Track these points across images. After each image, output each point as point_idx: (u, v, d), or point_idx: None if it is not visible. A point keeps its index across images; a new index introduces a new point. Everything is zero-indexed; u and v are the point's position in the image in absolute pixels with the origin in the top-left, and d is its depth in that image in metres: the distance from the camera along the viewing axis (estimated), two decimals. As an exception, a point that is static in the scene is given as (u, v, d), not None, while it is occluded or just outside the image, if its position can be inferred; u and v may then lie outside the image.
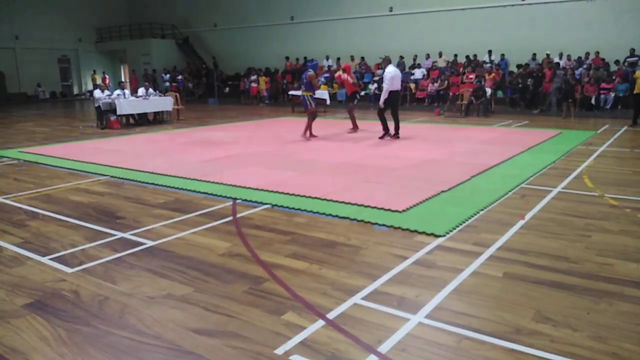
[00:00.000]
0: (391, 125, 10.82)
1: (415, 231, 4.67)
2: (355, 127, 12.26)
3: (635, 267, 3.81)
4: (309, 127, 11.02)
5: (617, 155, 8.77)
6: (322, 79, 11.63)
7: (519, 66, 18.40)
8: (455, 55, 20.43)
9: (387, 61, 10.93)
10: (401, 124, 12.20)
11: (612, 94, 16.42)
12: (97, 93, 14.07)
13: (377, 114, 10.85)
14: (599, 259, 3.98)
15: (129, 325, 3.08)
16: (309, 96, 10.91)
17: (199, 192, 6.35)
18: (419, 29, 21.67)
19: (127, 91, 14.74)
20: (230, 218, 5.24)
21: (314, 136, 11.12)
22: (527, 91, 17.58)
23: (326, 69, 23.51)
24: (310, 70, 11.21)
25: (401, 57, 21.46)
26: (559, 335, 2.87)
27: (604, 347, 2.74)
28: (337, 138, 11.02)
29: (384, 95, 10.58)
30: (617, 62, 17.10)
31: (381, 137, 10.77)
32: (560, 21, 18.62)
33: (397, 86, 10.66)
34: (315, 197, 5.86)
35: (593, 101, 16.66)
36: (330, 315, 3.13)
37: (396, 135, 10.80)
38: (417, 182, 6.57)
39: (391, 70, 10.53)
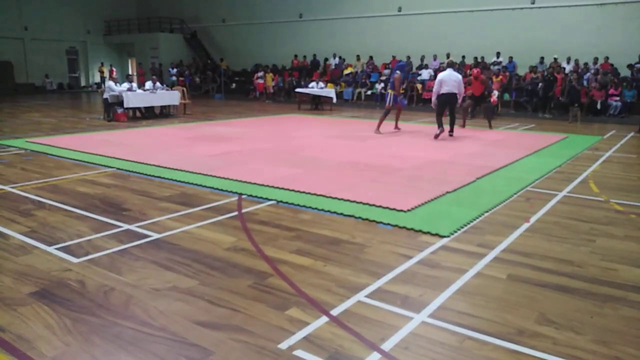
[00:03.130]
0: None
1: (420, 231, 4.67)
2: (489, 125, 12.92)
3: (639, 273, 3.80)
4: (391, 118, 12.03)
5: (623, 160, 8.75)
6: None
7: (531, 68, 18.30)
8: (463, 57, 20.41)
9: (447, 65, 11.87)
10: (407, 124, 12.34)
11: (619, 102, 16.38)
12: (112, 85, 14.00)
13: (435, 114, 11.30)
14: (604, 264, 3.98)
15: (134, 316, 3.10)
16: (392, 95, 11.73)
17: (205, 186, 6.38)
18: (427, 30, 21.64)
19: (134, 84, 14.77)
20: (236, 213, 5.26)
21: (398, 129, 12.09)
22: (535, 95, 17.54)
23: (332, 67, 23.52)
24: (398, 72, 11.93)
25: (408, 58, 21.44)
26: (561, 338, 2.88)
27: (606, 351, 2.75)
28: (344, 136, 11.03)
29: (433, 99, 11.27)
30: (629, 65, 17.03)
31: (436, 136, 10.95)
32: (569, 25, 18.56)
33: (446, 89, 10.88)
34: (321, 195, 5.87)
35: (599, 106, 16.63)
36: (334, 312, 3.14)
37: (450, 134, 11.14)
38: (422, 182, 6.58)
39: (441, 75, 11.08)
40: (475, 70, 13.68)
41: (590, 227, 4.91)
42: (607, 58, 17.80)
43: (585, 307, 3.25)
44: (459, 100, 11.36)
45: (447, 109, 11.24)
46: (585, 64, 18.02)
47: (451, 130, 11.23)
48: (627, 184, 6.85)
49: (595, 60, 17.96)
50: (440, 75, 11.08)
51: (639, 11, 17.37)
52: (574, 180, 6.95)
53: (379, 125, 11.82)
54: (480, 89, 12.87)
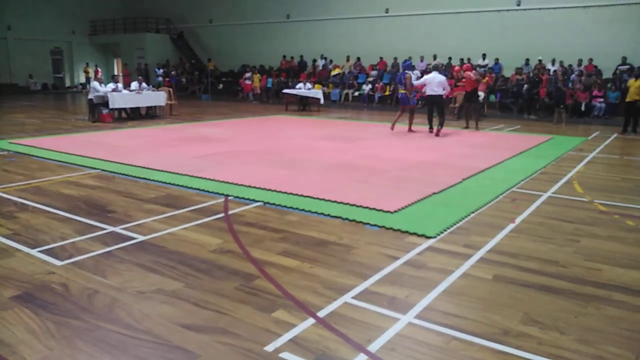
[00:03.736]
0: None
1: (407, 232, 4.69)
2: (475, 125, 13.05)
3: (622, 273, 3.85)
4: (405, 118, 12.34)
5: (607, 161, 8.86)
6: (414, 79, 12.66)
7: (517, 70, 18.45)
8: (450, 58, 20.51)
9: (433, 67, 12.43)
10: (395, 126, 12.38)
11: (603, 103, 16.60)
12: (96, 85, 13.85)
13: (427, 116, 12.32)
14: (588, 264, 4.02)
15: (118, 319, 3.07)
16: (407, 94, 12.13)
17: (191, 187, 6.33)
18: (414, 31, 21.73)
19: (120, 85, 14.63)
20: (222, 215, 5.23)
21: (412, 130, 12.24)
22: (520, 96, 17.70)
23: (321, 68, 23.57)
24: (408, 71, 12.43)
25: (395, 59, 21.52)
26: (546, 337, 2.90)
27: (590, 350, 2.77)
28: (331, 138, 11.03)
29: (417, 83, 12.28)
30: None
31: (430, 132, 11.97)
32: (554, 27, 18.76)
33: (430, 91, 11.62)
34: (308, 196, 5.86)
35: (583, 108, 16.83)
36: (321, 314, 3.14)
37: (437, 134, 11.64)
38: (408, 183, 6.60)
39: (426, 77, 11.87)
40: (465, 66, 13.95)
41: (574, 227, 4.96)
42: (591, 60, 18.01)
43: (570, 307, 3.28)
44: (446, 94, 12.23)
45: (436, 110, 11.78)
46: (570, 65, 18.23)
47: (439, 131, 11.65)
48: (610, 185, 6.93)
49: (580, 62, 18.17)
50: (426, 77, 11.85)
51: (622, 14, 17.60)
52: (559, 181, 7.02)
53: (409, 126, 12.38)
54: (472, 84, 13.02)
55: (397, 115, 12.57)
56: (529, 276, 3.75)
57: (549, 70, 17.97)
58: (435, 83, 11.54)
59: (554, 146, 10.31)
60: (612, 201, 5.99)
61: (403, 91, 12.26)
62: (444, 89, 11.78)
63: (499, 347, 2.79)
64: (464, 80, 15.60)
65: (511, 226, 4.94)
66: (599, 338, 2.90)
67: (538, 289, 3.54)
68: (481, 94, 16.88)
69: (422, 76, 20.50)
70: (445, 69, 20.10)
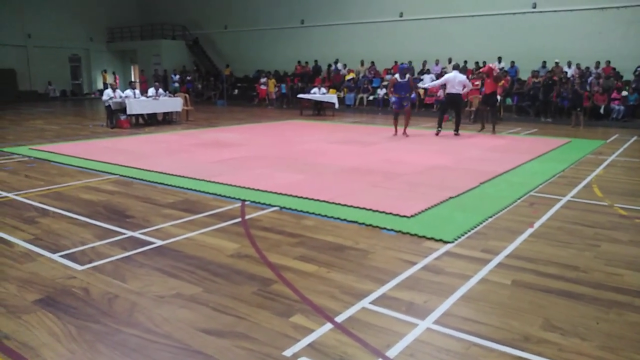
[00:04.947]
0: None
1: (424, 237, 4.67)
2: (492, 129, 12.89)
3: (644, 278, 3.79)
4: (400, 123, 12.17)
5: (626, 165, 8.72)
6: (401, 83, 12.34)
7: (533, 72, 18.29)
8: (465, 62, 20.39)
9: (453, 67, 12.68)
10: (409, 130, 12.31)
11: (622, 106, 16.37)
12: (107, 93, 14.09)
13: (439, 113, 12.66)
14: (608, 269, 3.96)
15: (138, 323, 3.10)
16: (395, 97, 12.03)
17: (208, 192, 6.38)
18: (429, 35, 21.66)
19: (137, 91, 14.81)
20: (239, 219, 5.26)
21: (403, 134, 12.08)
22: (537, 99, 17.54)
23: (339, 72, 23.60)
24: (396, 75, 12.25)
25: (410, 63, 21.45)
26: (567, 344, 2.87)
27: (613, 357, 2.73)
28: (346, 142, 11.03)
29: (436, 83, 13.35)
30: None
31: (437, 134, 12.05)
32: (571, 29, 18.56)
33: (451, 90, 11.84)
34: (324, 201, 5.87)
35: (602, 110, 16.61)
36: (339, 319, 3.14)
37: (456, 133, 12.04)
38: (425, 187, 6.57)
39: (447, 76, 12.09)
40: (486, 67, 13.60)
41: (594, 232, 4.90)
42: (608, 62, 17.79)
43: (591, 312, 3.24)
44: (465, 92, 12.51)
45: (454, 111, 12.07)
46: (587, 68, 18.02)
47: (456, 130, 12.02)
48: (631, 188, 6.83)
49: (597, 64, 17.95)
50: (446, 76, 12.07)
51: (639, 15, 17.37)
52: (578, 185, 6.94)
53: (405, 128, 12.20)
54: (492, 87, 12.79)
55: (405, 121, 12.12)
56: (548, 281, 3.71)
57: (566, 72, 17.77)
58: (456, 82, 11.73)
59: (572, 149, 10.20)
60: (632, 205, 5.90)
61: (397, 95, 11.90)
62: (464, 88, 11.96)
63: (520, 354, 2.76)
64: (476, 83, 15.49)
65: (530, 231, 4.90)
66: (622, 344, 2.86)
67: (558, 294, 3.50)
68: (497, 97, 16.75)
69: (436, 79, 20.54)
70: (461, 72, 20.07)
